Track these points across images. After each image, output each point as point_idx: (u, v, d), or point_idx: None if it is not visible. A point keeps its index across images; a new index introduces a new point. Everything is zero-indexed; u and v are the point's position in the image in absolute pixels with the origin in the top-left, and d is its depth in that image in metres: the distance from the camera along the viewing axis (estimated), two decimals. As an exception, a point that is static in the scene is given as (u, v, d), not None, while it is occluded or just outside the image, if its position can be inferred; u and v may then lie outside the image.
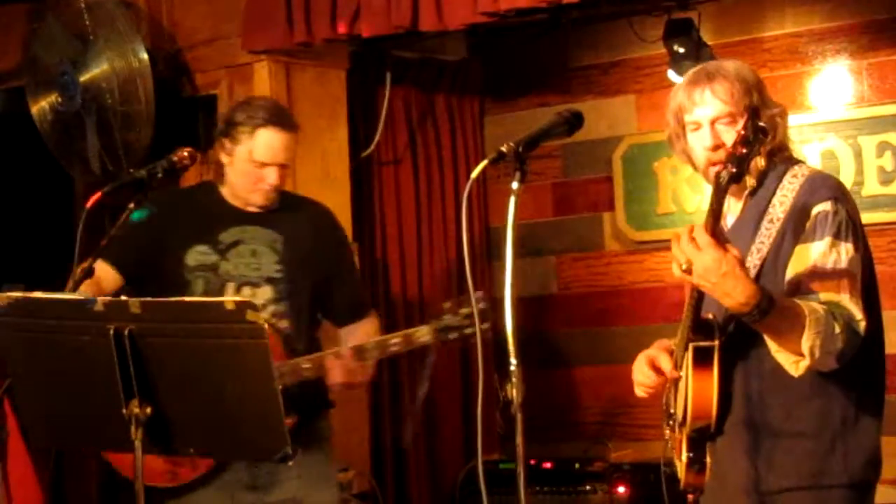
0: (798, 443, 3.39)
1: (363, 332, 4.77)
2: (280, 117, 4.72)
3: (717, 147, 3.39)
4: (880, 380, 3.44)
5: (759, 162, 3.31)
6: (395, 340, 4.58)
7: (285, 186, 4.76)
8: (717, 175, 3.09)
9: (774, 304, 3.15)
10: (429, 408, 6.58)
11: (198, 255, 4.64)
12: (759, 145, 3.09)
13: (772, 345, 3.27)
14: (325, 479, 4.90)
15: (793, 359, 3.23)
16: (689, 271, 3.10)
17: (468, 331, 4.47)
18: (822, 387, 3.36)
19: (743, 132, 3.04)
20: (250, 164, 4.60)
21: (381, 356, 4.62)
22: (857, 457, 3.42)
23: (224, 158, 4.67)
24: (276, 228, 4.71)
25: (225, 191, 4.71)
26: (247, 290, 4.65)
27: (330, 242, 4.94)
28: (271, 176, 4.60)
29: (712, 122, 3.41)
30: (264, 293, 4.64)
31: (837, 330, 3.20)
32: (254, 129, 4.60)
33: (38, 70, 6.11)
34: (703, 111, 3.43)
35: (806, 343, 3.16)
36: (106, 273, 4.44)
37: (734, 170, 3.05)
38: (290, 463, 4.36)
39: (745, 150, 3.03)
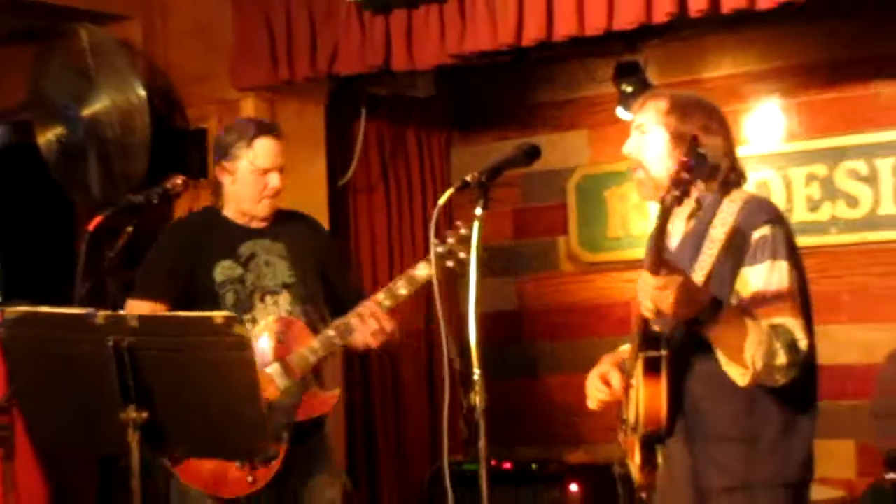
0: (739, 446, 3.39)
1: None
2: (269, 126, 4.76)
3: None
4: (814, 389, 3.45)
5: (701, 186, 3.33)
6: (400, 283, 4.51)
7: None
8: (662, 199, 3.08)
9: (722, 307, 3.17)
10: (397, 414, 6.58)
11: (224, 269, 4.60)
12: (700, 171, 3.11)
13: (721, 357, 3.26)
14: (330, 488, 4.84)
15: (741, 371, 3.22)
16: (654, 311, 3.12)
17: (461, 255, 4.39)
18: (763, 395, 3.36)
19: (685, 159, 3.04)
20: (254, 173, 4.58)
21: (394, 303, 4.49)
22: (793, 459, 3.42)
23: (226, 179, 4.63)
24: (279, 239, 4.69)
25: (228, 212, 4.67)
26: (269, 299, 4.63)
27: (326, 243, 4.96)
28: (274, 179, 4.60)
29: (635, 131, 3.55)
30: (284, 298, 4.62)
31: (778, 346, 3.20)
32: (250, 141, 4.58)
33: (44, 105, 6.09)
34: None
35: (748, 354, 3.17)
36: (143, 309, 4.40)
37: (677, 193, 3.04)
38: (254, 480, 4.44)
39: (687, 176, 3.03)
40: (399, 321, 4.64)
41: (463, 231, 4.38)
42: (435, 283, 3.81)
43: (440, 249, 4.40)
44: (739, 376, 3.24)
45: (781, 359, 3.20)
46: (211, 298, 4.53)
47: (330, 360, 4.79)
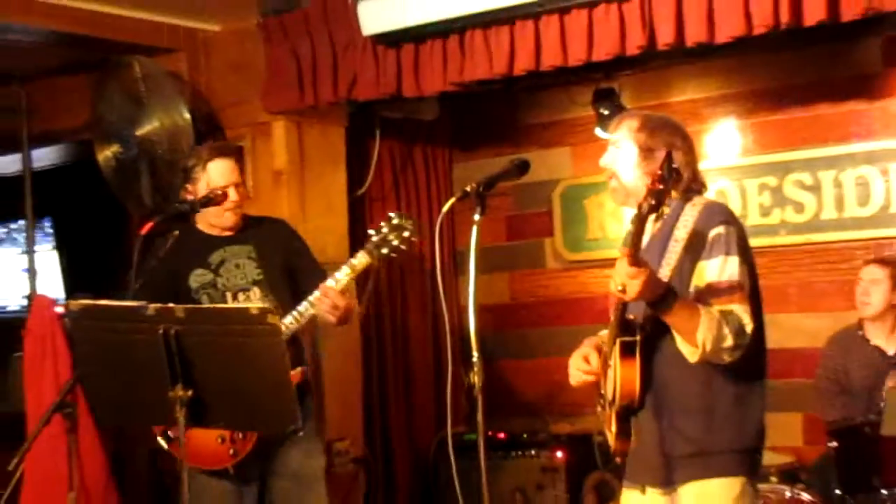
0: (699, 417, 3.39)
1: None
2: (220, 149, 4.74)
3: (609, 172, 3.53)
4: (763, 368, 3.45)
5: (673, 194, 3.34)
6: (342, 271, 4.47)
7: (245, 208, 4.72)
8: (640, 206, 3.10)
9: (678, 298, 3.19)
10: (407, 392, 6.59)
11: (197, 276, 4.59)
12: (673, 182, 3.11)
13: (677, 337, 3.28)
14: (315, 451, 4.81)
15: (692, 350, 3.24)
16: (623, 291, 3.12)
17: (394, 242, 4.43)
18: (718, 373, 3.37)
19: (660, 172, 3.04)
20: (202, 196, 4.54)
21: (341, 286, 4.43)
22: (746, 428, 3.43)
23: (191, 199, 4.58)
24: (247, 242, 4.67)
25: (201, 226, 4.64)
26: (241, 296, 4.61)
27: (289, 241, 4.87)
28: (232, 194, 4.55)
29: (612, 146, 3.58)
30: (255, 293, 4.60)
31: (727, 331, 3.21)
32: (205, 165, 4.56)
33: (102, 126, 6.09)
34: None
35: (699, 336, 3.18)
36: None
37: (653, 202, 3.05)
38: (301, 433, 4.42)
39: (661, 187, 3.04)
40: (350, 301, 4.61)
41: (394, 221, 4.44)
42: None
43: (375, 239, 4.45)
44: (690, 354, 3.26)
45: (729, 341, 3.22)
46: (191, 302, 4.47)
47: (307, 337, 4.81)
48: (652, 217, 3.31)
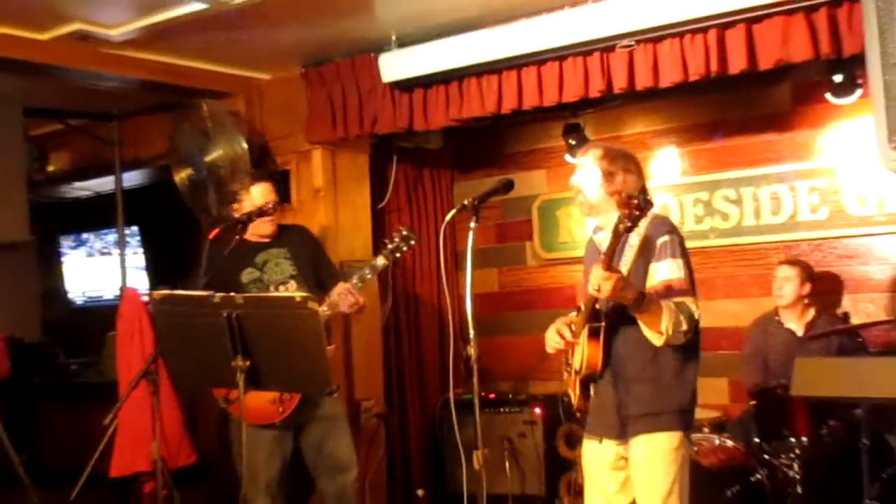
0: (647, 384, 3.40)
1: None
2: (260, 174, 4.94)
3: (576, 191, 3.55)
4: (697, 345, 3.45)
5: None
6: (366, 270, 4.60)
7: (289, 218, 4.90)
8: (617, 226, 3.11)
9: (645, 298, 3.22)
10: (419, 361, 6.57)
11: (247, 274, 4.68)
12: (647, 209, 3.12)
13: (643, 327, 3.29)
14: (338, 400, 4.87)
15: (657, 335, 3.25)
16: (598, 290, 3.14)
17: (403, 248, 4.60)
18: (662, 351, 3.36)
19: (636, 202, 3.05)
20: (255, 208, 4.63)
21: (362, 283, 4.59)
22: (683, 393, 3.44)
23: (238, 216, 4.69)
24: (282, 246, 4.78)
25: (247, 236, 4.68)
26: (281, 287, 4.69)
27: (312, 243, 4.99)
28: (270, 207, 4.66)
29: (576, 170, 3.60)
30: (291, 285, 4.69)
31: (682, 319, 3.24)
32: (248, 188, 4.76)
33: (178, 154, 6.08)
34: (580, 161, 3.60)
35: (663, 325, 3.20)
36: None
37: (629, 224, 3.08)
38: (336, 395, 4.43)
39: (637, 213, 3.05)
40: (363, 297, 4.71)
41: (404, 232, 4.61)
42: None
43: (390, 246, 4.58)
44: (656, 339, 3.27)
45: (684, 326, 3.25)
46: (243, 293, 4.53)
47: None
48: (611, 226, 3.33)
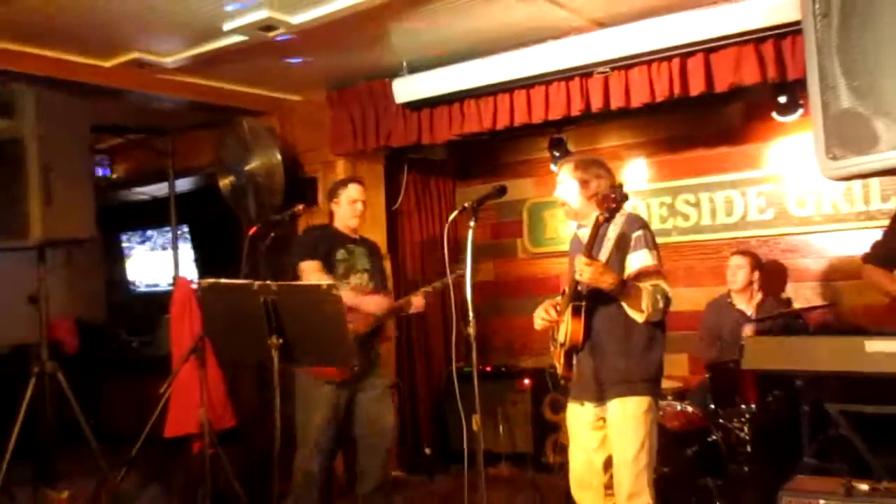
0: (621, 356, 3.39)
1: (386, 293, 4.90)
2: (354, 178, 4.95)
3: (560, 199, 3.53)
4: (663, 325, 3.45)
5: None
6: (436, 283, 4.84)
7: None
8: (597, 219, 3.12)
9: (626, 284, 3.23)
10: (426, 339, 6.56)
11: (341, 253, 4.69)
12: (623, 201, 3.14)
13: (626, 307, 3.30)
14: (385, 378, 4.87)
15: (639, 314, 3.26)
16: (581, 275, 3.18)
17: (459, 272, 4.54)
18: (635, 328, 3.36)
19: (613, 195, 3.06)
20: (350, 202, 4.72)
21: (426, 296, 4.84)
22: (651, 365, 3.43)
23: (336, 208, 4.77)
24: (363, 246, 4.82)
25: (338, 226, 4.77)
26: (356, 275, 4.71)
27: (380, 257, 5.03)
28: (359, 206, 4.76)
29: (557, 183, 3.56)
30: (364, 277, 4.72)
31: (659, 298, 3.26)
32: (345, 186, 4.78)
33: (222, 164, 6.10)
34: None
35: (644, 303, 3.21)
36: (312, 266, 4.55)
37: (607, 216, 3.12)
38: (356, 368, 4.41)
39: (614, 206, 3.06)
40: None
41: (459, 271, 4.47)
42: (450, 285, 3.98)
43: (444, 279, 4.61)
44: (638, 316, 3.29)
45: (661, 303, 3.26)
46: (332, 268, 4.63)
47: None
48: (591, 223, 3.33)
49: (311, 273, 4.49)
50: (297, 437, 4.52)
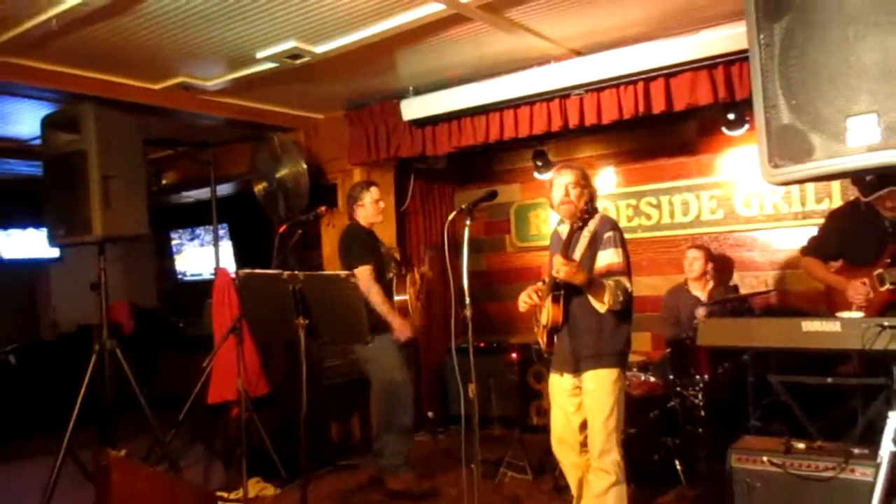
0: (594, 335, 3.39)
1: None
2: (372, 182, 4.86)
3: (565, 199, 3.44)
4: (631, 308, 3.44)
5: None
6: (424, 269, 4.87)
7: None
8: (573, 224, 3.13)
9: (593, 280, 3.22)
10: (430, 321, 6.53)
11: (382, 247, 4.70)
12: (594, 212, 3.18)
13: (591, 298, 3.29)
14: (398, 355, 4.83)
15: (601, 305, 3.25)
16: (558, 272, 3.18)
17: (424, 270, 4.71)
18: (605, 312, 3.35)
19: (585, 207, 3.07)
20: (373, 202, 4.65)
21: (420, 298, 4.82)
22: (619, 341, 3.42)
23: (359, 209, 4.67)
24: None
25: (364, 224, 4.68)
26: (392, 264, 4.69)
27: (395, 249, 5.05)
28: (380, 205, 4.70)
29: (566, 186, 3.45)
30: (393, 266, 4.68)
31: (619, 292, 3.24)
32: (368, 189, 4.69)
33: (256, 172, 6.09)
34: (561, 180, 3.46)
35: (606, 297, 3.20)
36: (365, 270, 4.45)
37: (581, 223, 3.12)
38: (370, 345, 4.39)
39: (587, 217, 3.06)
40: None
41: (431, 253, 4.75)
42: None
43: (429, 249, 4.75)
44: (600, 307, 3.27)
45: (620, 298, 3.24)
46: (382, 256, 4.63)
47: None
48: (568, 224, 3.32)
49: (366, 280, 4.40)
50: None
